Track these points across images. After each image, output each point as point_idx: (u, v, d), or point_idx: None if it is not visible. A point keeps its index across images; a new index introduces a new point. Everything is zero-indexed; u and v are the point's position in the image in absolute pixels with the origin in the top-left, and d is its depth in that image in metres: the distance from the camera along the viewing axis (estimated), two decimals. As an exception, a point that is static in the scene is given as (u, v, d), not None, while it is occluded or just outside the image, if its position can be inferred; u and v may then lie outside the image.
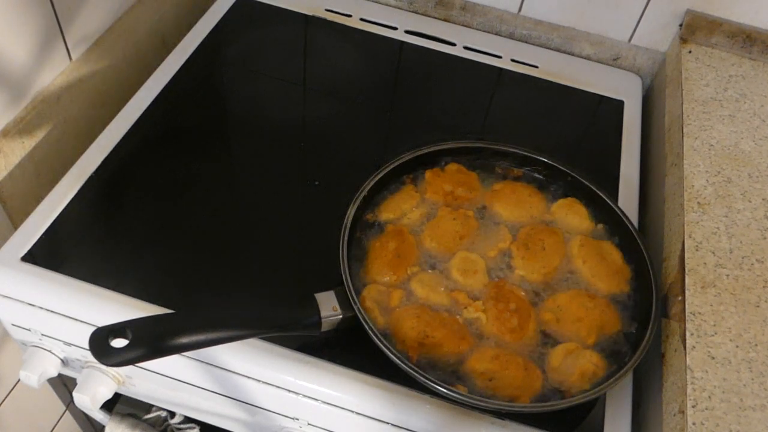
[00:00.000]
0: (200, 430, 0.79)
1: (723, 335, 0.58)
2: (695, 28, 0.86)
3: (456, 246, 0.66)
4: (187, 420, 0.79)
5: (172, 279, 0.66)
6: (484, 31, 0.98)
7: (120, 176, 0.73)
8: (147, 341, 0.51)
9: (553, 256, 0.65)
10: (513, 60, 0.94)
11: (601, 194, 0.69)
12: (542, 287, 0.64)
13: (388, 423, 0.59)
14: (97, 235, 0.68)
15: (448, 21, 0.99)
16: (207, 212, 0.72)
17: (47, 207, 0.68)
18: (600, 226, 0.69)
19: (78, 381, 0.67)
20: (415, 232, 0.67)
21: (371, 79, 0.89)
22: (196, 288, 0.66)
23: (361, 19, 0.96)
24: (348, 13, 0.97)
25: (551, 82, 0.92)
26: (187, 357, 0.61)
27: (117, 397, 0.78)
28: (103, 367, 0.66)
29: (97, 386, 0.66)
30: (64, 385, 0.92)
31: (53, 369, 0.68)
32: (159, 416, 0.79)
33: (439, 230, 0.66)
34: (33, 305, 0.63)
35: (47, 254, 0.65)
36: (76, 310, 0.62)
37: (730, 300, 0.61)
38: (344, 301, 0.59)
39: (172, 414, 0.79)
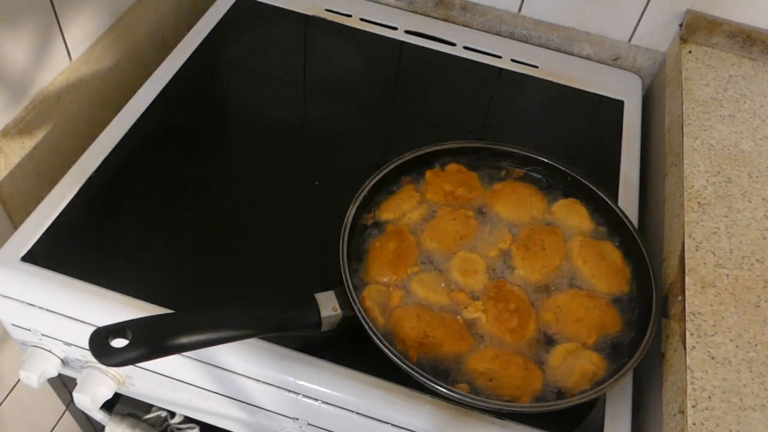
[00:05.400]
0: (200, 430, 0.79)
1: (723, 335, 0.58)
2: (695, 28, 0.86)
3: (456, 246, 0.66)
4: (187, 420, 0.79)
5: (171, 279, 0.66)
6: (484, 31, 0.98)
7: (120, 176, 0.73)
8: (147, 341, 0.51)
9: (553, 256, 0.65)
10: (513, 60, 0.94)
11: (601, 194, 0.69)
12: (542, 287, 0.64)
13: (388, 423, 0.59)
14: (97, 235, 0.68)
15: (448, 21, 0.99)
16: (207, 212, 0.72)
17: (47, 207, 0.68)
18: (600, 226, 0.69)
19: (78, 381, 0.67)
20: (415, 232, 0.67)
21: (371, 79, 0.89)
22: (196, 288, 0.66)
23: (361, 19, 0.96)
24: (348, 13, 0.97)
25: (551, 82, 0.92)
26: (187, 357, 0.61)
27: (117, 397, 0.78)
28: (103, 367, 0.66)
29: (97, 386, 0.66)
30: (64, 385, 0.92)
31: (53, 369, 0.68)
32: (159, 416, 0.79)
33: (439, 230, 0.66)
34: (33, 305, 0.63)
35: (47, 254, 0.65)
36: (76, 310, 0.62)
37: (730, 300, 0.61)
38: (344, 301, 0.59)
39: (172, 414, 0.79)
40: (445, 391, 0.55)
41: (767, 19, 0.84)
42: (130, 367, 0.66)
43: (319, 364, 0.60)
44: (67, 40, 0.76)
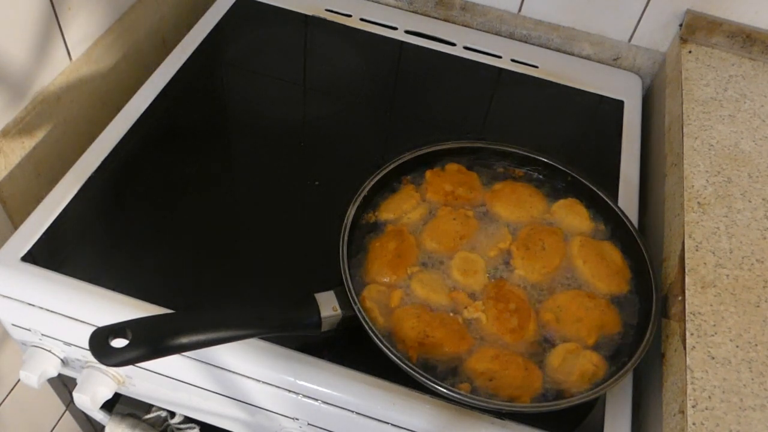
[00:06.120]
0: (200, 430, 0.79)
1: (723, 335, 0.58)
2: (695, 28, 0.86)
3: (456, 246, 0.66)
4: (187, 420, 0.79)
5: (172, 279, 0.66)
6: (484, 31, 0.98)
7: (120, 176, 0.73)
8: (147, 341, 0.51)
9: (553, 256, 0.65)
10: (513, 60, 0.94)
11: (601, 194, 0.69)
12: (542, 287, 0.64)
13: (388, 423, 0.59)
14: (97, 235, 0.68)
15: (448, 21, 0.99)
16: (207, 212, 0.72)
17: (47, 207, 0.68)
18: (600, 226, 0.69)
19: (78, 381, 0.67)
20: (415, 232, 0.67)
21: (371, 79, 0.89)
22: (196, 288, 0.66)
23: (361, 19, 0.96)
24: (348, 13, 0.97)
25: (551, 82, 0.92)
26: (187, 357, 0.61)
27: (117, 397, 0.78)
28: (103, 367, 0.66)
29: (97, 386, 0.66)
30: (64, 385, 0.92)
31: (53, 369, 0.68)
32: (159, 416, 0.79)
33: (439, 230, 0.66)
34: (33, 305, 0.63)
35: (47, 254, 0.65)
36: (76, 310, 0.62)
37: (730, 300, 0.61)
38: (344, 301, 0.59)
39: (172, 414, 0.79)
40: (445, 391, 0.55)
41: (767, 19, 0.84)
42: (130, 367, 0.66)
43: (319, 364, 0.60)
44: (67, 40, 0.76)
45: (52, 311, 0.63)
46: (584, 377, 0.58)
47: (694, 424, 0.53)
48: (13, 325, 0.67)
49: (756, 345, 0.58)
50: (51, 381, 0.86)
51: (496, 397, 0.57)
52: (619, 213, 0.68)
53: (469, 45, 0.95)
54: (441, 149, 0.72)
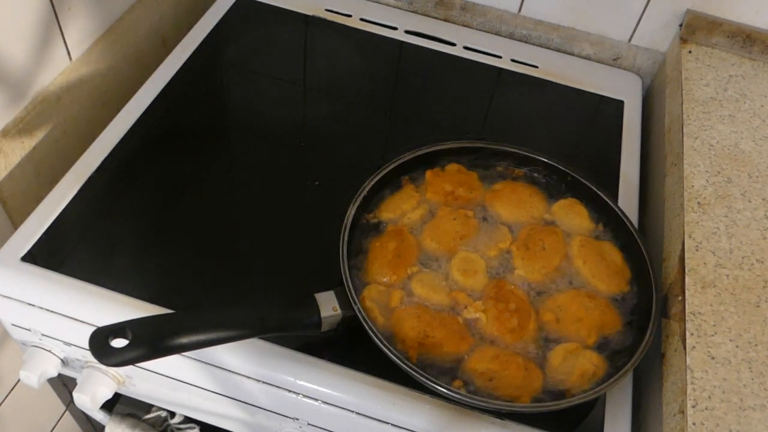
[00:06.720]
0: (200, 430, 0.79)
1: (723, 335, 0.58)
2: (695, 28, 0.86)
3: (456, 246, 0.66)
4: (187, 420, 0.79)
5: (172, 279, 0.66)
6: (484, 31, 0.98)
7: (120, 176, 0.73)
8: (147, 341, 0.51)
9: (553, 256, 0.65)
10: (513, 60, 0.94)
11: (601, 194, 0.69)
12: (542, 287, 0.64)
13: (388, 423, 0.59)
14: (97, 235, 0.68)
15: (448, 21, 0.99)
16: (207, 212, 0.72)
17: (47, 207, 0.68)
18: (600, 226, 0.69)
19: (78, 381, 0.67)
20: (415, 232, 0.67)
21: (371, 79, 0.89)
22: (196, 288, 0.66)
23: (361, 19, 0.96)
24: (348, 13, 0.97)
25: (551, 82, 0.92)
26: (187, 357, 0.61)
27: (117, 397, 0.78)
28: (103, 367, 0.66)
29: (97, 386, 0.66)
30: (64, 385, 0.92)
31: (53, 369, 0.68)
32: (159, 416, 0.79)
33: (439, 230, 0.66)
34: (33, 305, 0.63)
35: (47, 254, 0.65)
36: (76, 310, 0.62)
37: (730, 300, 0.61)
38: (344, 301, 0.59)
39: (172, 414, 0.79)
40: (445, 391, 0.55)
41: (767, 19, 0.84)
42: (130, 367, 0.66)
43: (319, 364, 0.60)
44: (67, 40, 0.76)
45: (52, 311, 0.63)
46: (584, 377, 0.58)
47: (694, 424, 0.53)
48: (13, 325, 0.67)
49: (756, 345, 0.58)
50: (51, 381, 0.86)
51: (496, 397, 0.57)
52: (619, 213, 0.68)
53: (469, 45, 0.95)
54: (441, 149, 0.72)
